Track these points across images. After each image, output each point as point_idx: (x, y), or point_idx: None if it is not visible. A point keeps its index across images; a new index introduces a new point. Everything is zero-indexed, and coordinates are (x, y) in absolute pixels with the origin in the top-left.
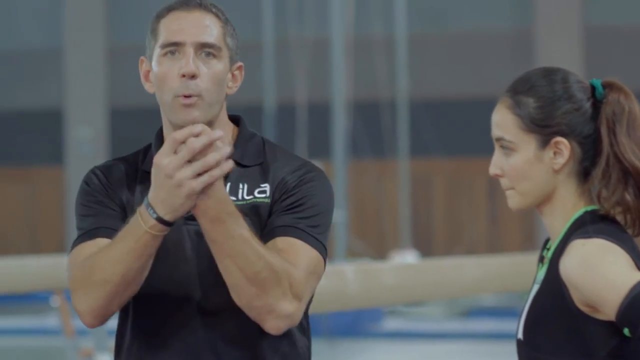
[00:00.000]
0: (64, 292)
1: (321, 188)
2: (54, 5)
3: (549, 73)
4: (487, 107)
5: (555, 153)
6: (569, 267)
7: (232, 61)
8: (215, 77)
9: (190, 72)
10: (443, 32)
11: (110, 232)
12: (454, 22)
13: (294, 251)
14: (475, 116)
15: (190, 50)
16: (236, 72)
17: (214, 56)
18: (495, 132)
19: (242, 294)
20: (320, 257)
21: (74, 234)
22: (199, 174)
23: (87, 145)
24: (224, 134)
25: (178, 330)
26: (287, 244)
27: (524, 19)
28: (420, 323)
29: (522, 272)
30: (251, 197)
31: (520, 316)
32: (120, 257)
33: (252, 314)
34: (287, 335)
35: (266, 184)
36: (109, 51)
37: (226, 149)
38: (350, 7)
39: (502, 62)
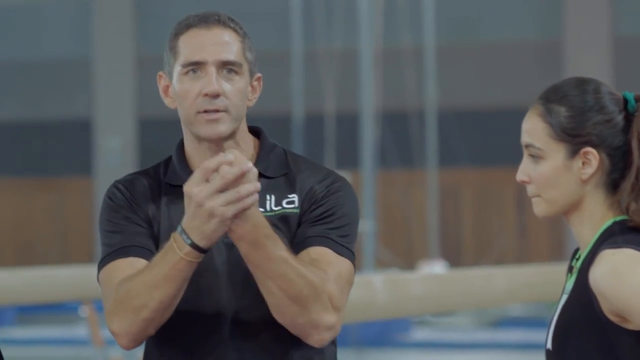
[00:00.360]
0: (93, 302)
1: (348, 198)
2: (83, 16)
3: (582, 83)
4: (515, 117)
5: (583, 163)
6: (598, 276)
7: (251, 74)
8: (239, 92)
9: (213, 92)
10: (472, 43)
11: (141, 251)
12: (482, 32)
13: (327, 262)
14: (504, 126)
15: (212, 69)
16: (255, 84)
17: (236, 73)
18: (525, 138)
19: (285, 312)
20: (352, 267)
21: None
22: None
23: (116, 155)
24: (245, 146)
25: (208, 341)
26: (320, 254)
27: (553, 30)
28: (448, 333)
29: (551, 282)
30: (279, 207)
31: (549, 326)
32: (156, 282)
33: (295, 330)
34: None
35: (294, 195)
36: (137, 61)
37: (256, 184)
38: (379, 17)
39: (531, 72)
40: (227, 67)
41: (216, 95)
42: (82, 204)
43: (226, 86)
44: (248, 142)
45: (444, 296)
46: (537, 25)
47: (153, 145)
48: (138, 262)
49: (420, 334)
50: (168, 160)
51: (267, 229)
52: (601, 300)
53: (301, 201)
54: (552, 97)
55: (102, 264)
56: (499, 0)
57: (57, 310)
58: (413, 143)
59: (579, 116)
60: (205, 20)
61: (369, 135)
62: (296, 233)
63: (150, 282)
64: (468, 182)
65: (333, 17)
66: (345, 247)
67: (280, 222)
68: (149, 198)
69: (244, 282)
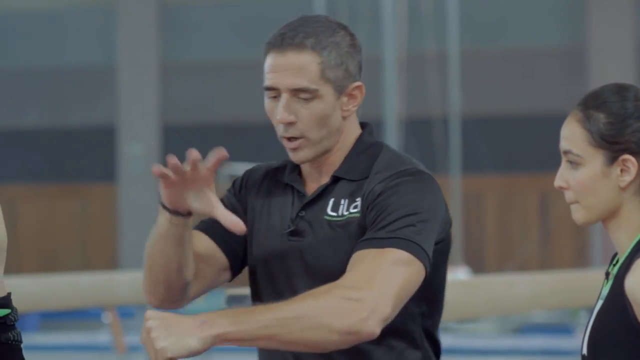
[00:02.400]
0: (116, 308)
1: (413, 189)
2: (107, 23)
3: (622, 90)
4: (539, 123)
5: (622, 170)
6: (632, 284)
7: (339, 89)
8: (316, 117)
9: (282, 120)
10: (495, 49)
11: (207, 226)
12: (506, 38)
13: (360, 262)
14: (528, 132)
15: (285, 96)
16: (355, 92)
17: (312, 98)
18: (564, 145)
19: (324, 347)
20: (400, 253)
21: (125, 250)
22: None
23: (140, 162)
24: (341, 149)
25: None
26: (355, 259)
27: (577, 36)
28: (472, 340)
29: (574, 288)
30: (347, 213)
31: (584, 331)
32: (154, 243)
33: (345, 346)
34: (390, 346)
35: (359, 198)
36: (161, 68)
37: None
38: (403, 23)
39: (555, 78)
40: (301, 93)
41: (289, 123)
42: (106, 210)
43: (302, 112)
44: (348, 140)
45: (467, 302)
46: (560, 31)
47: (177, 151)
48: (196, 234)
49: (443, 340)
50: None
51: (229, 320)
52: (635, 308)
53: (361, 204)
54: (591, 104)
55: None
56: (522, 6)
57: (80, 316)
58: (437, 149)
59: (618, 123)
60: (281, 41)
61: (392, 141)
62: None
63: (151, 244)
64: (491, 188)
65: (357, 24)
66: (393, 237)
67: (345, 227)
68: (258, 188)
69: (313, 286)
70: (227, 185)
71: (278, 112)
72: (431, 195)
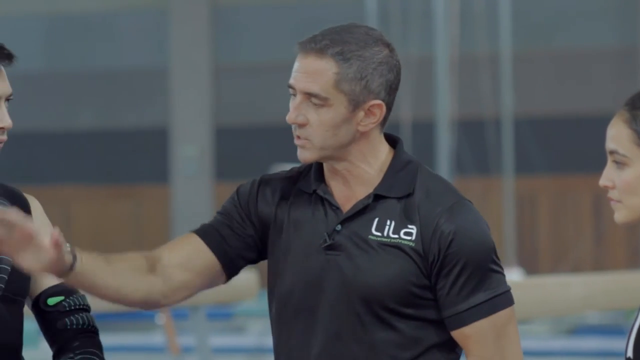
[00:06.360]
0: (170, 310)
1: (479, 232)
2: (159, 25)
3: None
4: (592, 124)
5: None
6: None
7: (354, 103)
8: (324, 124)
9: (289, 120)
10: (548, 49)
11: (208, 233)
12: (559, 38)
13: (481, 342)
14: (581, 133)
15: (298, 98)
16: (374, 110)
17: (322, 105)
18: (609, 144)
19: None
20: (505, 313)
21: None
22: None
23: (192, 163)
24: (370, 163)
25: (302, 351)
26: (475, 336)
27: (629, 36)
28: (525, 341)
29: (628, 289)
30: (397, 236)
31: (629, 334)
32: None
33: None
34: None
35: (413, 226)
36: (214, 70)
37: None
38: (455, 24)
39: (607, 79)
40: (313, 98)
41: (299, 125)
42: (159, 211)
43: (312, 117)
44: (378, 157)
45: (521, 304)
46: (613, 31)
47: (229, 153)
48: (192, 238)
49: None
50: (312, 165)
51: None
52: None
53: (420, 234)
54: (638, 104)
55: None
56: (575, 7)
57: (134, 317)
58: (489, 150)
59: None
60: (308, 44)
61: (445, 143)
62: (436, 282)
63: None
64: (544, 189)
65: (409, 24)
66: (494, 297)
67: (393, 250)
68: (279, 200)
69: (345, 302)
70: None
71: (289, 111)
72: (484, 222)
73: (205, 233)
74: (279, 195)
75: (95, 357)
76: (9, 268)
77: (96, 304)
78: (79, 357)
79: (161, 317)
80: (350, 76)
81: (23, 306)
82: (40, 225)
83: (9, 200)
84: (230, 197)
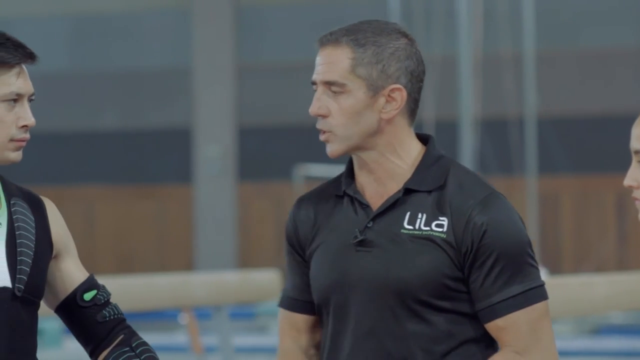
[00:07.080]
0: (192, 309)
1: (513, 225)
2: (182, 25)
3: None
4: (615, 123)
5: None
6: None
7: (373, 88)
8: (345, 112)
9: (311, 111)
10: (572, 49)
11: (296, 304)
12: (582, 38)
13: (517, 335)
14: (604, 133)
15: (319, 89)
16: (395, 95)
17: (341, 92)
18: (635, 144)
19: None
20: (541, 306)
21: (201, 252)
22: None
23: (216, 163)
24: (401, 156)
25: (337, 350)
26: (510, 328)
27: None
28: None
29: None
30: (428, 229)
31: None
32: None
33: None
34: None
35: (444, 217)
36: (237, 69)
37: None
38: (479, 24)
39: (631, 79)
40: (331, 86)
41: (322, 116)
42: (182, 211)
43: (332, 106)
44: (409, 152)
45: None
46: (637, 31)
47: (252, 153)
48: (294, 318)
49: None
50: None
51: None
52: None
53: (452, 226)
54: None
55: (279, 302)
56: (599, 7)
57: (157, 317)
58: (512, 150)
59: None
60: (323, 39)
61: (468, 142)
62: (469, 274)
63: None
64: (568, 189)
65: (432, 24)
66: (527, 290)
67: (425, 242)
68: (312, 213)
69: (375, 298)
70: (302, 187)
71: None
72: (517, 215)
73: (294, 306)
74: (314, 208)
75: (153, 354)
76: (29, 269)
77: (118, 303)
78: (139, 350)
79: (184, 317)
80: (365, 60)
81: (39, 308)
82: (55, 228)
83: (25, 202)
84: (285, 248)
